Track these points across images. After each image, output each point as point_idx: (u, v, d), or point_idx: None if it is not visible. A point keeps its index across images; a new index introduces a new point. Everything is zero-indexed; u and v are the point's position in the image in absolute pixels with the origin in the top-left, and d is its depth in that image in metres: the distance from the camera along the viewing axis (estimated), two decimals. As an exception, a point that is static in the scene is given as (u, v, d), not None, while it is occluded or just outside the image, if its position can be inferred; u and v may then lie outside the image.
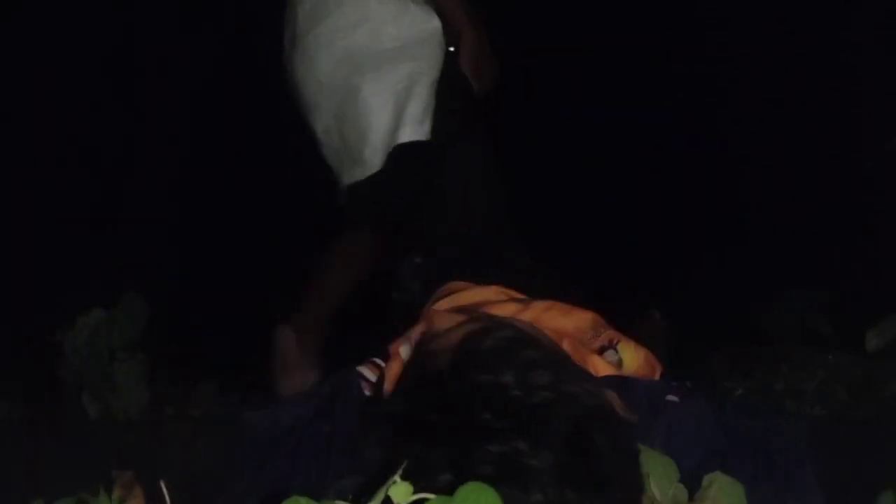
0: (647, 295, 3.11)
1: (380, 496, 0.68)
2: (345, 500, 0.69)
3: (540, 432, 0.72)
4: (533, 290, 1.15)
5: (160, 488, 0.84)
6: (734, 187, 3.50)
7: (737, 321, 2.61)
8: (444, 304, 1.15)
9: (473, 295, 1.17)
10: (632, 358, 1.04)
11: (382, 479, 0.65)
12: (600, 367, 0.97)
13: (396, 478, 0.68)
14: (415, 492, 0.64)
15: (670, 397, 0.96)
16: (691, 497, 0.78)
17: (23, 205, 2.96)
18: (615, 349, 1.06)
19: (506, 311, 1.07)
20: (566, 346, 0.94)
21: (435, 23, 1.65)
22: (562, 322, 1.05)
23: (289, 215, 3.23)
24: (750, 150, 3.45)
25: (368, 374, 1.06)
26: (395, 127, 1.60)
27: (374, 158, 1.63)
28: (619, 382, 0.93)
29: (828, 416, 1.69)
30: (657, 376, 1.04)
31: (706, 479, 0.75)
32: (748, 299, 2.67)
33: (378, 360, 1.07)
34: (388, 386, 1.00)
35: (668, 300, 3.05)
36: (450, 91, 1.63)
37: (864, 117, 2.99)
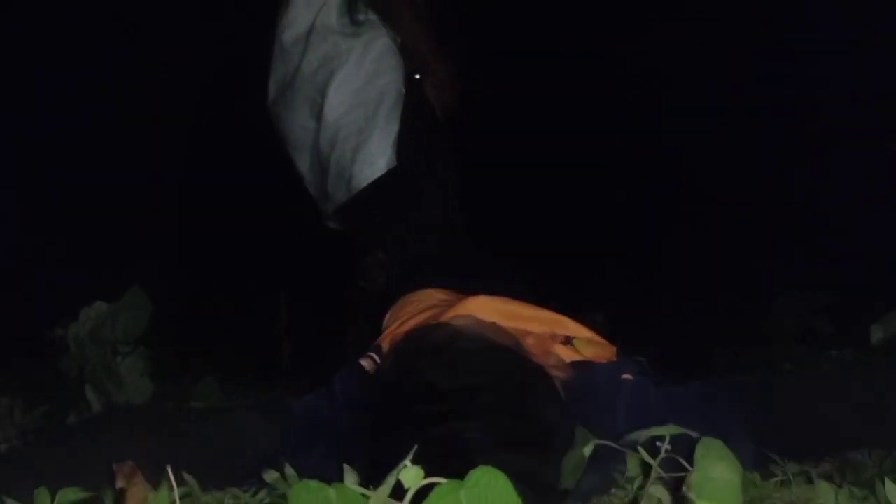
0: (650, 294, 3.14)
1: (390, 482, 0.69)
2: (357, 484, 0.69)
3: (469, 410, 0.83)
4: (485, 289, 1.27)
5: (168, 475, 0.84)
6: (737, 188, 3.51)
7: (738, 321, 2.61)
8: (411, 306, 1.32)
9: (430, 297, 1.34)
10: (586, 349, 1.18)
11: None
12: (565, 353, 1.14)
13: (407, 462, 0.68)
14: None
15: (625, 376, 1.10)
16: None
17: (26, 199, 2.96)
18: (572, 344, 1.20)
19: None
20: (531, 339, 1.11)
21: (395, 60, 1.82)
22: (529, 325, 1.19)
23: (291, 213, 3.23)
24: (752, 151, 3.45)
25: (368, 366, 1.19)
26: (364, 154, 1.77)
27: (351, 184, 1.80)
28: (583, 365, 1.11)
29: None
30: (614, 356, 1.18)
31: (698, 447, 0.79)
32: (749, 299, 2.68)
33: (374, 355, 1.21)
34: None
35: (671, 299, 3.08)
36: (415, 115, 1.79)
37: (865, 117, 2.99)
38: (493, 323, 1.12)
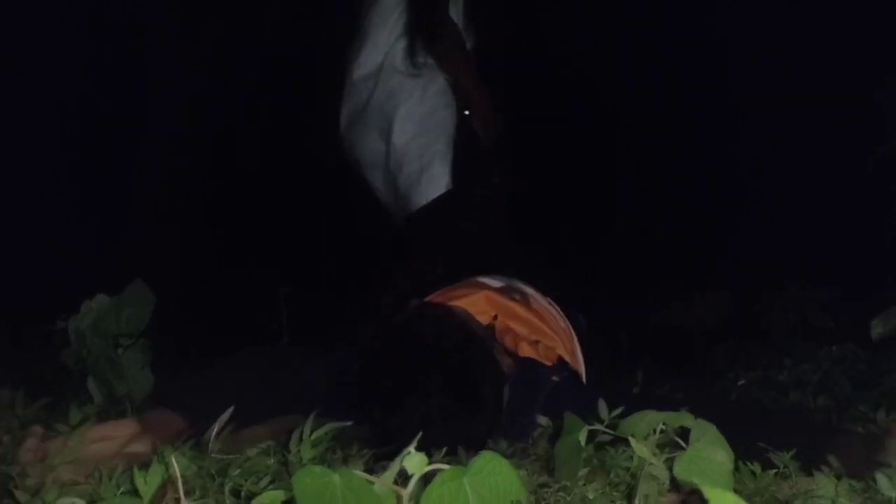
0: (654, 290, 3.15)
1: (395, 468, 0.69)
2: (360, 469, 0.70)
3: (438, 369, 1.27)
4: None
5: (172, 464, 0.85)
6: (739, 187, 3.52)
7: (740, 316, 2.62)
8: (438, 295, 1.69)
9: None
10: (544, 350, 1.56)
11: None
12: (526, 350, 1.50)
13: (411, 448, 0.69)
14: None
15: (554, 378, 1.48)
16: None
17: (30, 193, 2.97)
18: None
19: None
20: (509, 335, 1.52)
21: (450, 97, 2.20)
22: (516, 325, 1.60)
23: (294, 208, 3.26)
24: (752, 146, 3.47)
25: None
26: (428, 175, 2.14)
27: (418, 196, 2.17)
28: (530, 362, 1.47)
29: (832, 407, 1.70)
30: (553, 361, 1.55)
31: (693, 430, 0.86)
32: (751, 295, 2.69)
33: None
34: None
35: (673, 294, 3.09)
36: (465, 144, 2.17)
37: (865, 115, 3.00)
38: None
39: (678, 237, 3.52)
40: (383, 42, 2.18)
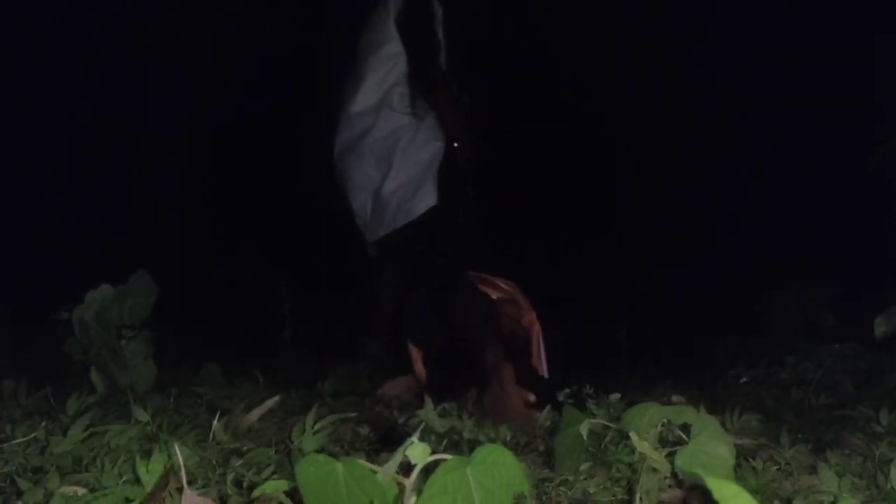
0: (656, 286, 3.15)
1: (397, 458, 0.69)
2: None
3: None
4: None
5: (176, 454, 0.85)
6: (741, 186, 3.52)
7: (742, 314, 2.62)
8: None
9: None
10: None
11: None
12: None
13: (414, 439, 0.69)
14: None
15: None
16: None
17: (36, 184, 2.97)
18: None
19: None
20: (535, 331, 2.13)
21: (439, 133, 2.61)
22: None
23: (295, 204, 3.26)
24: (756, 148, 3.46)
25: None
26: (422, 192, 2.51)
27: (409, 214, 2.54)
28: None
29: (834, 405, 1.69)
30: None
31: (695, 423, 0.87)
32: (753, 292, 2.69)
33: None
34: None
35: (675, 292, 3.09)
36: (451, 169, 2.60)
37: (865, 115, 3.00)
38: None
39: (679, 237, 3.52)
40: (377, 85, 2.60)
